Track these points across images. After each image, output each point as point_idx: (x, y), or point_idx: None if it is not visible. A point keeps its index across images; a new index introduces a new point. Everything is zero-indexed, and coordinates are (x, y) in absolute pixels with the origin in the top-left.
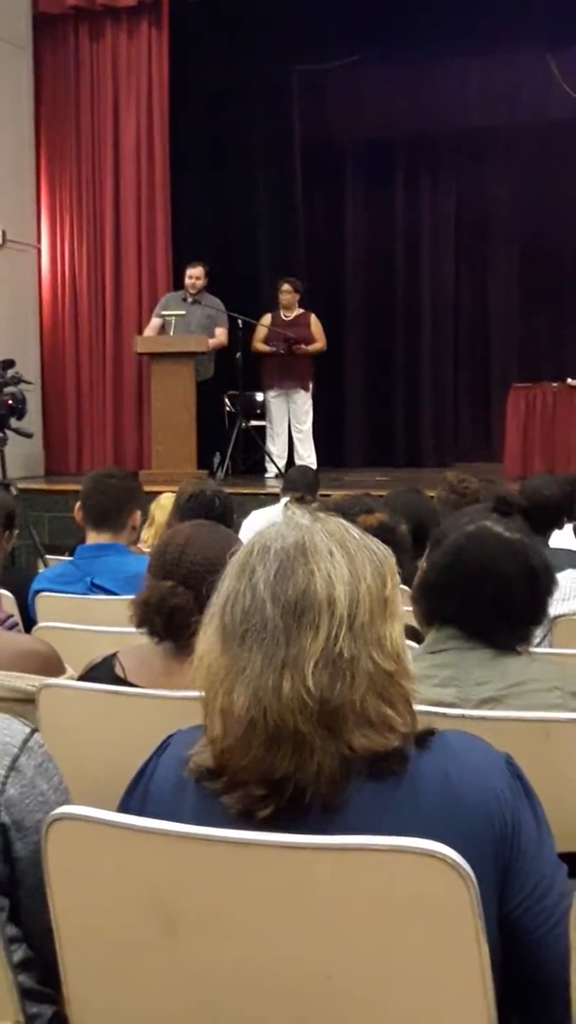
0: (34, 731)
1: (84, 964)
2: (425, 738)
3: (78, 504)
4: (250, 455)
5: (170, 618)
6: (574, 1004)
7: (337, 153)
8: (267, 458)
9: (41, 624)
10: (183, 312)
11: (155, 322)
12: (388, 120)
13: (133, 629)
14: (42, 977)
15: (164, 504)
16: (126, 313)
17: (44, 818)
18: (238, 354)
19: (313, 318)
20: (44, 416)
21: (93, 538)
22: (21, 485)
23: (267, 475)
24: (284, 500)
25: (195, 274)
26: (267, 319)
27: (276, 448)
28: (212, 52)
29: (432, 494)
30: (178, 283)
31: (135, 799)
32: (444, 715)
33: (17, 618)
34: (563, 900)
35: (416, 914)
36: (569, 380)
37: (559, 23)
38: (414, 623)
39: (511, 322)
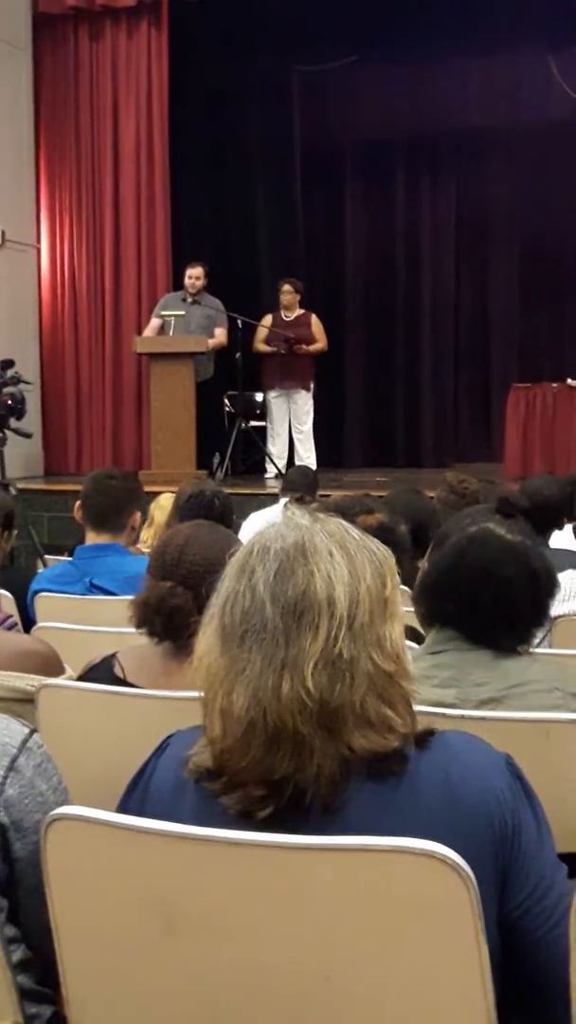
0: (33, 731)
1: (83, 964)
2: (425, 739)
3: (78, 503)
4: (249, 455)
5: (169, 618)
6: (574, 1005)
7: (337, 153)
8: (267, 458)
9: (40, 624)
10: (183, 312)
11: (155, 322)
12: (388, 120)
13: (132, 629)
14: (41, 977)
15: (163, 504)
16: (125, 313)
17: (43, 818)
18: (238, 354)
19: (314, 318)
20: (43, 416)
21: (92, 538)
22: (20, 485)
23: (267, 475)
24: (283, 501)
25: (195, 274)
26: (268, 320)
27: (276, 448)
28: (212, 52)
29: (432, 494)
30: (178, 283)
31: (134, 799)
32: (444, 716)
33: (16, 618)
34: (563, 900)
35: (416, 915)
36: (569, 380)
37: (559, 24)
38: (414, 624)
39: (511, 322)
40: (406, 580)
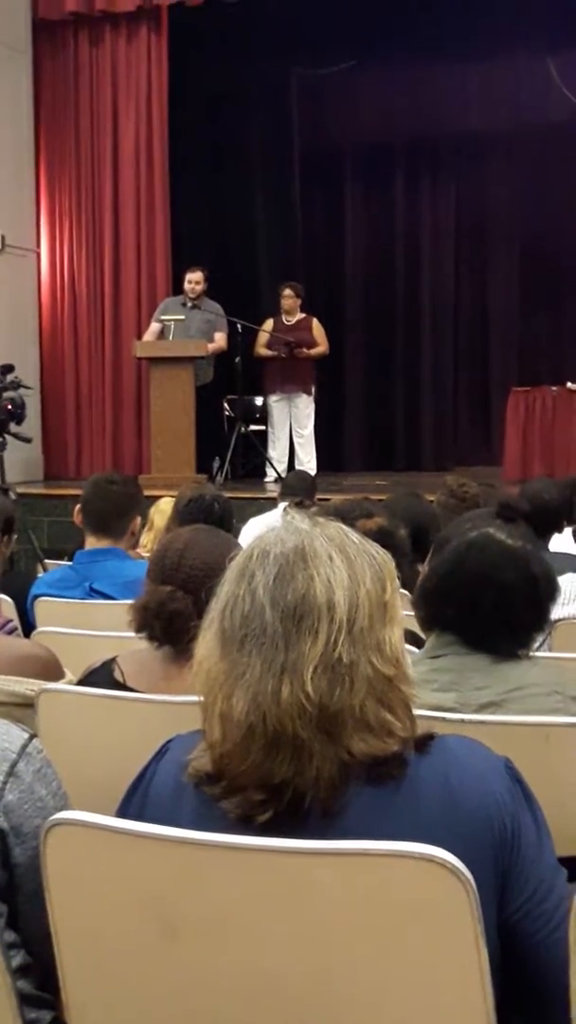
0: (33, 736)
1: (83, 969)
2: (425, 743)
3: (78, 508)
4: (249, 459)
5: (169, 623)
6: (573, 1008)
7: (336, 156)
8: (267, 462)
9: (40, 629)
10: (182, 317)
11: (154, 327)
12: (387, 123)
13: (132, 634)
14: (41, 983)
15: (163, 508)
16: (125, 317)
17: (43, 823)
18: (237, 358)
19: (315, 322)
20: (43, 420)
21: (92, 543)
22: (20, 490)
23: (266, 479)
24: (282, 505)
25: (194, 279)
26: (269, 324)
27: (276, 452)
28: (211, 57)
29: (432, 498)
30: (177, 288)
31: (134, 804)
32: (444, 720)
33: (16, 623)
34: (563, 904)
35: (415, 918)
36: (569, 384)
37: (558, 26)
38: (414, 628)
39: (511, 325)
40: (406, 584)
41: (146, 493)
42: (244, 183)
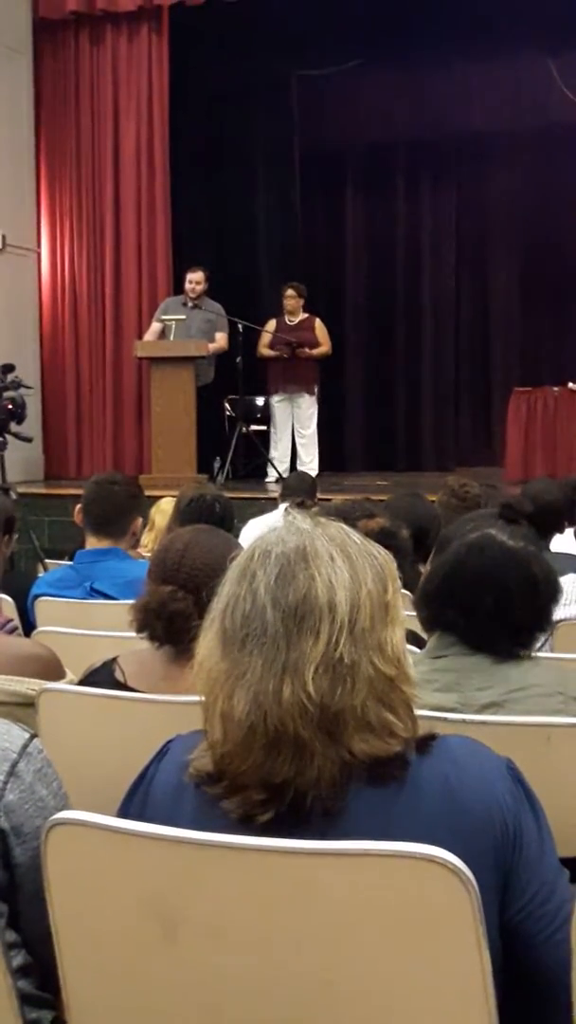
0: (33, 736)
1: (83, 970)
2: (426, 743)
3: (78, 507)
4: (250, 459)
5: (170, 623)
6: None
7: (337, 157)
8: (268, 463)
9: (41, 628)
10: (183, 317)
11: (155, 327)
12: (388, 124)
13: (132, 634)
14: (41, 983)
15: (164, 508)
16: (126, 317)
17: (43, 823)
18: (238, 358)
19: (318, 322)
20: (44, 420)
21: (93, 543)
22: (21, 489)
23: (267, 480)
24: (283, 506)
25: (195, 279)
26: (272, 324)
27: (278, 452)
28: (212, 57)
29: (433, 498)
30: (178, 288)
31: (135, 804)
32: (445, 720)
33: (17, 622)
34: (564, 905)
35: (417, 919)
36: (570, 384)
37: (559, 27)
38: (415, 628)
39: (512, 326)
40: (407, 584)
41: (147, 493)
42: (245, 183)
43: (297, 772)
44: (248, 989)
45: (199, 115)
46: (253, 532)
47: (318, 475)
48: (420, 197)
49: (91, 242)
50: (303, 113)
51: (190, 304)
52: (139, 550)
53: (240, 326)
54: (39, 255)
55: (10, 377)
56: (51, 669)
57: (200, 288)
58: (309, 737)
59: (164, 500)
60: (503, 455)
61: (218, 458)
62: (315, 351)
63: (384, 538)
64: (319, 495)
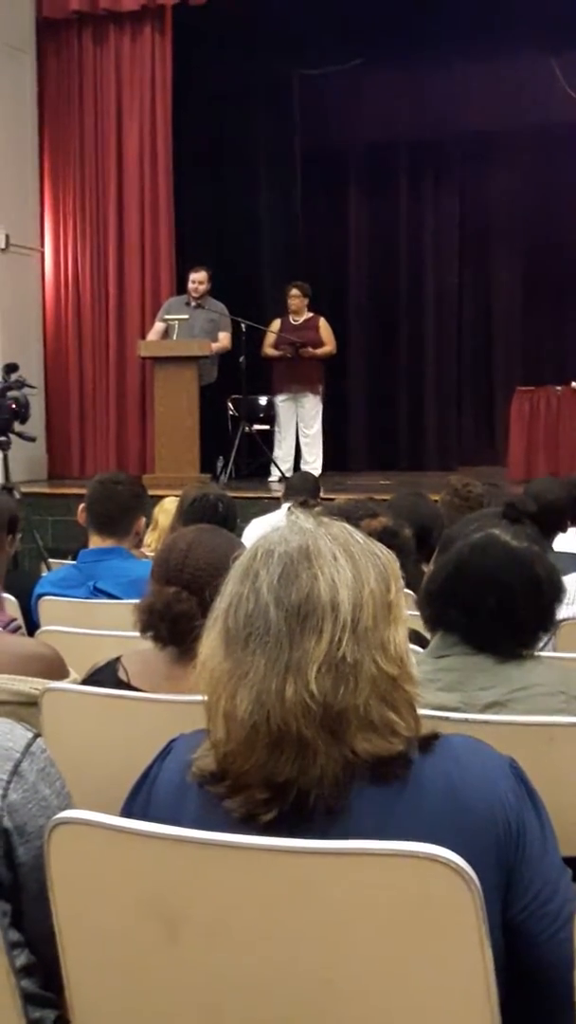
0: (36, 736)
1: (86, 969)
2: (429, 742)
3: (82, 507)
4: (253, 459)
5: (175, 624)
6: None
7: (340, 157)
8: (272, 462)
9: (44, 628)
10: (186, 316)
11: (158, 326)
12: (391, 124)
13: (136, 633)
14: (44, 982)
15: (168, 508)
16: (129, 317)
17: (46, 823)
18: (241, 358)
19: (322, 321)
20: (47, 420)
21: (96, 542)
22: (24, 489)
23: (270, 479)
24: (286, 506)
25: (198, 279)
26: (276, 324)
27: (282, 452)
28: (214, 57)
29: (436, 498)
30: (181, 287)
31: (138, 803)
32: (448, 719)
33: (20, 621)
34: (567, 904)
35: (419, 918)
36: (573, 383)
37: (562, 26)
38: (418, 627)
39: (515, 325)
40: (410, 584)
41: (150, 493)
42: (247, 183)
43: (300, 771)
44: (250, 988)
45: (201, 115)
46: (256, 532)
47: (321, 474)
48: (422, 196)
49: (94, 241)
50: (305, 113)
51: (193, 304)
52: (142, 549)
53: (243, 326)
54: (42, 255)
55: (14, 377)
56: (55, 668)
57: (203, 288)
58: (312, 736)
59: (167, 500)
60: (506, 454)
61: (221, 458)
62: (319, 351)
63: (387, 537)
64: (322, 494)
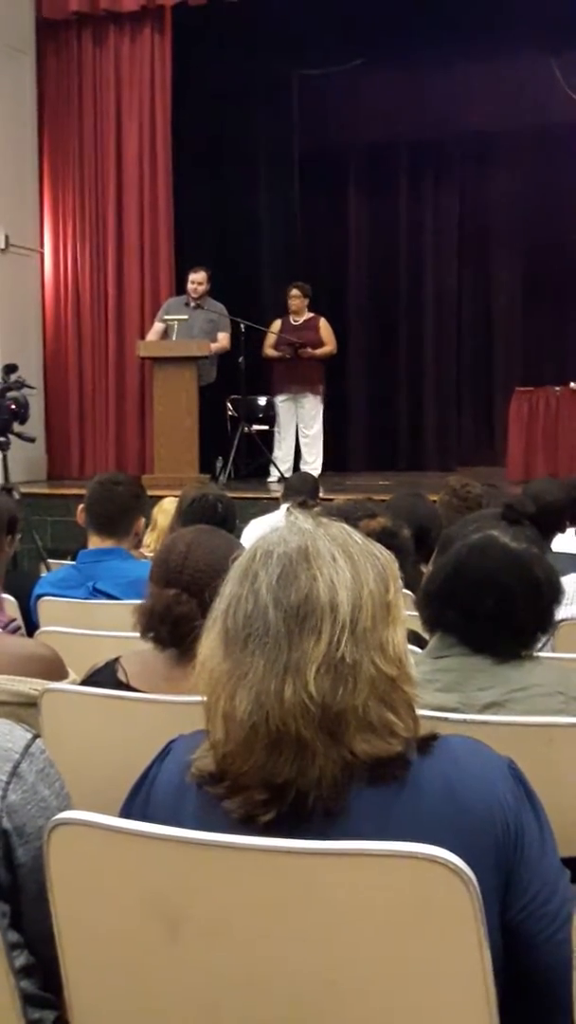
0: (36, 737)
1: (86, 969)
2: (428, 743)
3: (81, 507)
4: (253, 459)
5: (175, 627)
6: None
7: (340, 157)
8: (271, 463)
9: (43, 628)
10: (186, 317)
11: (158, 326)
12: (391, 124)
13: (135, 634)
14: (44, 983)
15: (167, 508)
16: (129, 317)
17: (46, 824)
18: (241, 358)
19: (322, 322)
20: (47, 420)
21: (96, 543)
22: (23, 489)
23: (270, 479)
24: (285, 506)
25: (197, 279)
26: (276, 325)
27: (282, 452)
28: (214, 57)
29: (435, 498)
30: (180, 288)
31: (137, 804)
32: (447, 720)
33: (20, 622)
34: (566, 905)
35: (418, 919)
36: (572, 384)
37: (562, 26)
38: (417, 628)
39: (514, 326)
40: (409, 585)
41: (149, 493)
42: (247, 183)
43: (299, 772)
44: (249, 988)
45: (201, 115)
46: (255, 532)
47: (320, 475)
48: (422, 197)
49: (94, 242)
50: (305, 113)
51: (192, 304)
52: (141, 550)
53: (242, 326)
54: (42, 255)
55: (13, 377)
56: (54, 669)
57: (202, 288)
58: (311, 737)
59: (166, 500)
60: (505, 455)
61: (220, 458)
62: (319, 351)
63: (386, 538)
64: (321, 495)
